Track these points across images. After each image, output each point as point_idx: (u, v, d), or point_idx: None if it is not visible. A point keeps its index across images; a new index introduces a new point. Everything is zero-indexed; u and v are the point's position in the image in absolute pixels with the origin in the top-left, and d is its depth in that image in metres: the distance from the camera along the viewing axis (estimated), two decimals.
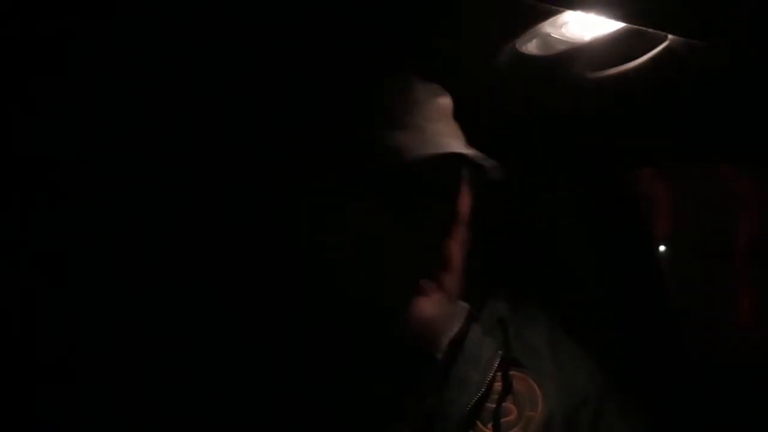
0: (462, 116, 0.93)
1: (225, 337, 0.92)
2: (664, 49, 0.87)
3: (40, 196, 1.02)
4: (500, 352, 0.92)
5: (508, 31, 0.91)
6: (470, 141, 0.93)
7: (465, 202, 0.93)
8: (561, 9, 0.83)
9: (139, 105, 1.02)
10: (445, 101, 0.93)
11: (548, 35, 0.91)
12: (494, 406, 0.89)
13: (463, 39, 0.95)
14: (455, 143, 0.89)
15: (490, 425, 0.89)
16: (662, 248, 1.29)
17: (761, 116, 0.99)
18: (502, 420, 0.89)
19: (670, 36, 0.84)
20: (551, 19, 0.87)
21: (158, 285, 1.04)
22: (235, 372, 0.89)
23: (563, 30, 0.90)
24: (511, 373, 0.92)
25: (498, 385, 0.91)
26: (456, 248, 0.90)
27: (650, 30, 0.82)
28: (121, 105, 1.01)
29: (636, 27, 0.80)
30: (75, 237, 1.03)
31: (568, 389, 0.93)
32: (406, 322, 0.86)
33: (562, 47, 0.93)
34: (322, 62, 0.99)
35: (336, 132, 0.88)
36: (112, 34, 0.90)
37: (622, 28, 0.85)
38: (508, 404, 0.90)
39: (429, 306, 0.87)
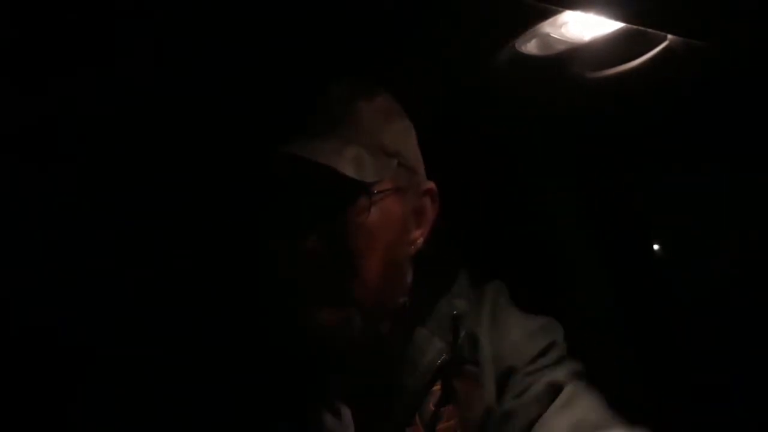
0: (461, 116, 0.93)
1: (215, 337, 0.92)
2: (663, 49, 0.87)
3: (39, 197, 1.02)
4: (444, 355, 0.88)
5: (508, 31, 0.91)
6: (470, 141, 0.93)
7: (394, 208, 0.87)
8: (560, 9, 0.83)
9: (130, 106, 1.02)
10: (362, 104, 0.87)
11: (548, 35, 0.91)
12: (433, 410, 0.87)
13: (463, 39, 0.95)
14: (331, 150, 0.82)
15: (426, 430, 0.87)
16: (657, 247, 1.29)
17: (761, 116, 0.99)
18: (443, 425, 0.88)
19: (669, 36, 0.84)
20: (551, 19, 0.87)
21: (156, 285, 1.04)
22: (224, 371, 0.88)
23: (563, 30, 0.90)
24: (455, 374, 0.89)
25: (440, 389, 0.88)
26: (368, 260, 0.84)
27: (650, 30, 0.82)
28: (117, 105, 1.01)
29: (636, 27, 0.80)
30: (75, 237, 1.03)
31: (499, 364, 0.91)
32: (309, 333, 0.84)
33: (561, 47, 0.93)
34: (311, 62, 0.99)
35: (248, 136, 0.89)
36: (110, 34, 0.90)
37: (622, 28, 0.86)
38: (449, 409, 0.88)
39: (329, 317, 0.83)
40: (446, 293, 0.94)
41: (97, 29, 0.90)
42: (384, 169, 0.85)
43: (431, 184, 0.92)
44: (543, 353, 0.91)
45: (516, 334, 0.93)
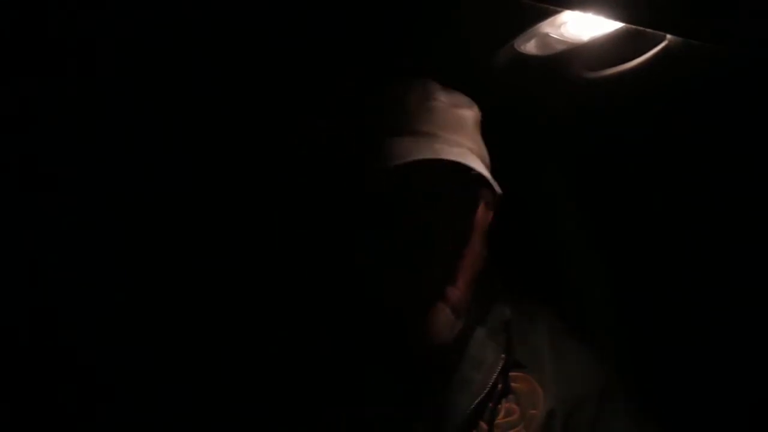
0: None
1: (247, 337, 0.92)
2: (662, 49, 0.87)
3: (42, 198, 1.02)
4: (503, 355, 0.93)
5: (508, 31, 0.91)
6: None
7: (481, 216, 0.92)
8: (560, 9, 0.83)
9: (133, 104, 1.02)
10: (467, 113, 0.91)
11: (547, 35, 0.92)
12: (492, 406, 0.91)
13: (462, 39, 0.95)
14: (464, 154, 0.86)
15: (490, 425, 0.91)
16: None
17: (761, 116, 0.99)
18: (506, 419, 0.91)
19: (668, 36, 0.84)
20: (550, 19, 0.87)
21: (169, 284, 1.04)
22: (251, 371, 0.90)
23: (562, 30, 0.90)
24: (513, 374, 0.93)
25: (501, 387, 0.92)
26: (467, 262, 0.90)
27: (649, 30, 0.82)
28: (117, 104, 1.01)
29: (634, 27, 0.79)
30: (79, 236, 1.03)
31: (568, 389, 0.95)
32: (410, 331, 0.88)
33: (560, 47, 0.93)
34: (323, 63, 0.99)
35: (337, 137, 0.89)
36: (108, 34, 0.90)
37: (621, 28, 0.85)
38: (511, 404, 0.92)
39: (433, 317, 0.87)
40: (497, 299, 0.98)
41: (94, 28, 0.90)
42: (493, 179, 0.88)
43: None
44: (607, 391, 0.96)
45: (583, 363, 0.97)
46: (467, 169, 0.85)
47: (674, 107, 1.03)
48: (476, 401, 0.90)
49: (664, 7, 0.74)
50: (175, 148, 1.07)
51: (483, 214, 0.92)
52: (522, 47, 0.94)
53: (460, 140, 0.88)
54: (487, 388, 0.91)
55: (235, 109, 1.07)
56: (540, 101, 1.10)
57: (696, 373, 1.16)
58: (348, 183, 0.89)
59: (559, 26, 0.89)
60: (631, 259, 1.25)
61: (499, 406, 0.92)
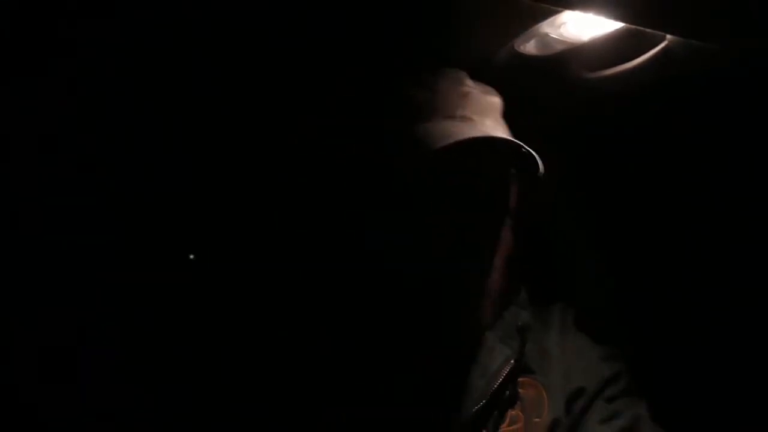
0: None
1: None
2: (662, 49, 0.87)
3: (42, 198, 1.02)
4: (512, 361, 0.91)
5: (507, 31, 0.91)
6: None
7: (514, 200, 0.91)
8: (559, 9, 0.83)
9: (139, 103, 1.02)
10: (496, 99, 0.91)
11: (547, 35, 0.92)
12: (497, 413, 0.89)
13: (462, 38, 0.95)
14: (503, 134, 0.87)
15: None
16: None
17: (760, 116, 0.99)
18: (510, 427, 0.89)
19: (668, 36, 0.84)
20: (550, 19, 0.87)
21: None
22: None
23: (562, 30, 0.90)
24: (521, 380, 0.91)
25: (509, 394, 0.90)
26: (502, 249, 0.88)
27: (649, 30, 0.82)
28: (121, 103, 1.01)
29: (635, 27, 0.79)
30: (79, 236, 1.03)
31: (570, 386, 0.94)
32: (449, 323, 0.87)
33: (560, 47, 0.93)
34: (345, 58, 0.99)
35: (378, 124, 0.88)
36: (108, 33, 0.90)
37: (621, 28, 0.86)
38: (516, 412, 0.90)
39: (473, 306, 0.87)
40: (510, 303, 0.96)
41: (96, 28, 0.90)
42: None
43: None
44: (614, 379, 0.95)
45: (588, 358, 0.97)
46: (514, 148, 0.83)
47: (674, 107, 1.03)
48: (476, 407, 0.88)
49: (664, 7, 0.74)
50: (175, 148, 1.07)
51: (515, 199, 0.91)
52: (522, 47, 0.94)
53: (495, 125, 0.88)
54: (489, 395, 0.88)
55: (235, 109, 1.07)
56: (540, 101, 1.10)
57: (695, 373, 1.16)
58: (371, 175, 0.87)
59: (559, 26, 0.89)
60: (631, 259, 1.25)
61: (505, 413, 0.89)
